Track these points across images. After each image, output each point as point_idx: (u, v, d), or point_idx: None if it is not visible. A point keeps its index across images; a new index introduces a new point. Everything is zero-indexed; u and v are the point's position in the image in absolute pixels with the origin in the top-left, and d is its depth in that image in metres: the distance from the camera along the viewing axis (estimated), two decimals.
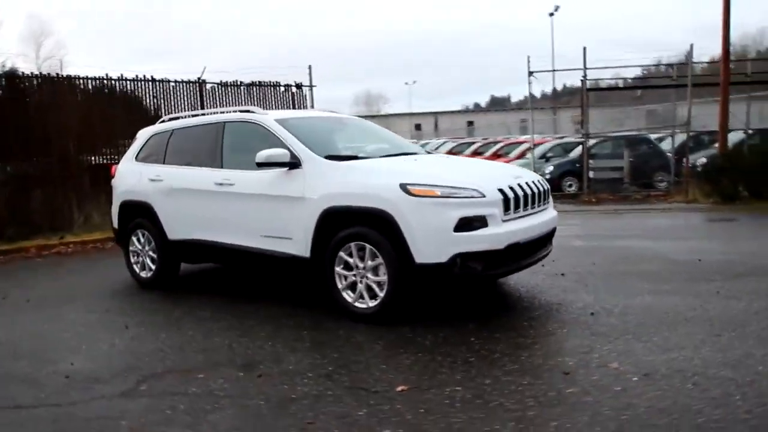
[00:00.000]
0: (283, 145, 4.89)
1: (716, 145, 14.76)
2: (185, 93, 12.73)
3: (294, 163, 4.77)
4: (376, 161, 4.88)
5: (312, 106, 14.43)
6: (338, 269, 4.54)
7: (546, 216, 4.77)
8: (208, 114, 6.11)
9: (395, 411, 2.96)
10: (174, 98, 12.57)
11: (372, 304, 4.40)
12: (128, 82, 12.01)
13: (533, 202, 4.62)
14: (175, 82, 12.65)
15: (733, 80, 14.26)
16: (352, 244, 4.44)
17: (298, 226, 4.72)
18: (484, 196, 4.20)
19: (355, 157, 4.96)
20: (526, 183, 4.59)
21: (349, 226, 4.47)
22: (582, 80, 14.39)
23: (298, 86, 14.46)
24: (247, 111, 5.51)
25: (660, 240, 7.60)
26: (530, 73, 14.56)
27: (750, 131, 15.34)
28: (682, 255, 6.37)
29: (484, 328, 4.19)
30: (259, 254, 5.05)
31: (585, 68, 14.12)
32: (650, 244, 7.20)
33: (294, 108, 14.14)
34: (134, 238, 6.17)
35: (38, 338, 4.57)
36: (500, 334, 4.05)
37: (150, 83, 12.26)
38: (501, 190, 4.31)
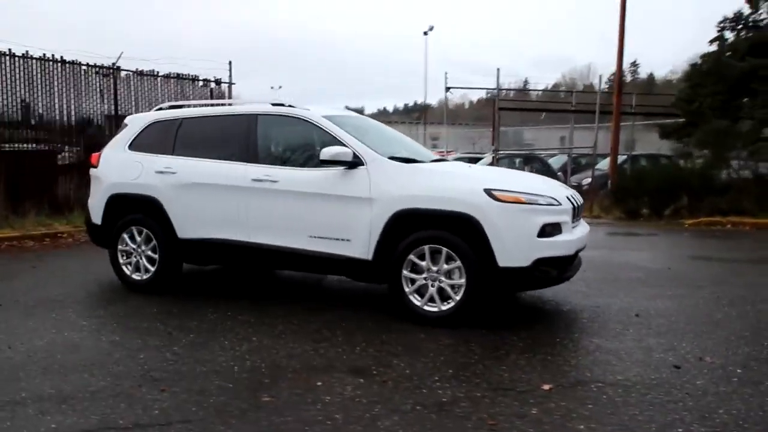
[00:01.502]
0: (340, 143, 4.74)
1: (597, 166, 16.70)
2: (97, 79, 11.58)
3: (355, 163, 4.65)
4: (445, 165, 4.91)
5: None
6: (405, 272, 4.51)
7: (586, 227, 5.12)
8: (223, 105, 5.69)
9: (564, 407, 3.06)
10: (85, 84, 11.37)
11: (444, 307, 4.42)
12: (34, 61, 10.63)
13: (579, 214, 4.95)
14: (87, 66, 11.45)
15: (603, 110, 16.22)
16: (426, 247, 4.43)
17: (360, 227, 4.60)
18: (560, 204, 4.45)
19: (414, 160, 4.95)
20: (572, 195, 4.91)
21: (422, 228, 4.46)
22: (494, 99, 15.37)
23: (218, 82, 13.79)
24: (281, 104, 5.24)
25: (605, 250, 8.38)
26: (447, 89, 15.26)
27: (625, 155, 17.46)
28: (647, 263, 7.13)
29: (552, 330, 4.42)
30: (306, 256, 4.82)
31: (498, 88, 15.12)
32: (604, 254, 7.93)
33: None
34: (126, 236, 5.54)
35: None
36: (580, 335, 4.30)
37: (59, 64, 10.96)
38: (569, 199, 4.59)
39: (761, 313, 4.86)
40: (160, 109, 5.88)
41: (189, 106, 5.84)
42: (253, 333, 4.29)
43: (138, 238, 5.49)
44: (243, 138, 5.16)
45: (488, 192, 4.32)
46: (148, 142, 5.60)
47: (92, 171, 5.89)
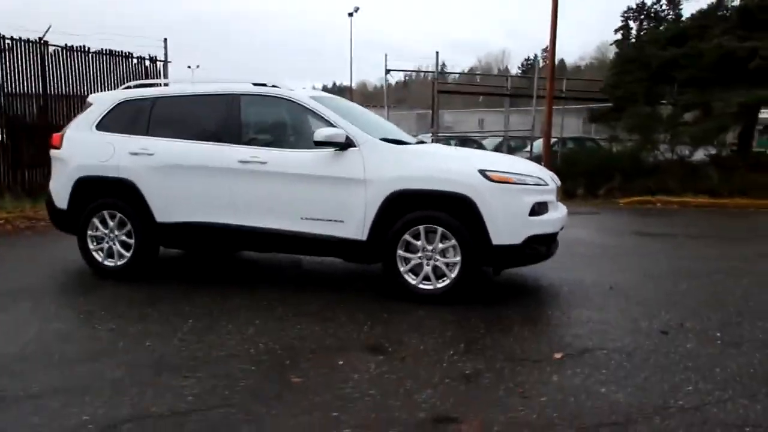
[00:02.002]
0: (330, 125, 4.73)
1: (526, 149, 17.41)
2: (23, 54, 10.72)
3: (347, 144, 4.66)
4: (434, 146, 5.00)
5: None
6: (400, 252, 4.59)
7: (564, 207, 5.38)
8: (199, 83, 5.47)
9: (581, 373, 3.28)
10: (10, 60, 10.51)
11: (440, 285, 4.55)
12: None
13: (558, 194, 5.21)
14: (12, 39, 10.58)
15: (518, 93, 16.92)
16: (421, 227, 4.53)
17: (354, 208, 4.63)
18: (547, 185, 4.67)
19: (402, 142, 5.01)
20: (552, 176, 5.16)
21: (416, 208, 4.55)
22: (433, 82, 15.61)
23: (152, 60, 13.14)
24: (263, 84, 5.13)
25: None
26: (387, 71, 15.33)
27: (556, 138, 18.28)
28: (598, 239, 7.59)
29: (542, 304, 4.68)
30: (298, 238, 4.80)
31: (437, 72, 15.35)
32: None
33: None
34: (96, 221, 5.27)
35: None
36: (568, 307, 4.56)
37: None
38: (552, 179, 4.82)
39: (717, 283, 5.34)
40: (128, 87, 5.60)
41: (159, 84, 5.59)
42: (254, 316, 4.24)
43: (110, 223, 5.24)
44: (225, 118, 5.03)
45: (482, 173, 4.47)
46: (118, 122, 5.33)
47: (54, 152, 5.53)
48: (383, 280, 5.00)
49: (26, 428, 2.65)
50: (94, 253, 5.32)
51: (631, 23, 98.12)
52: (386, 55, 15.36)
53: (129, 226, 5.19)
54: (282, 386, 3.13)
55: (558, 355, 3.55)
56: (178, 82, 5.48)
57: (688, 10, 55.86)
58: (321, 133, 4.58)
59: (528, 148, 17.30)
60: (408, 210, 4.56)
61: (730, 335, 3.91)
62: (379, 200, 4.57)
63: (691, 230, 8.51)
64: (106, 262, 5.30)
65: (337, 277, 5.53)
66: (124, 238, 5.22)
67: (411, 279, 4.61)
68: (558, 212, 4.77)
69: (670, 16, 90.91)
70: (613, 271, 5.72)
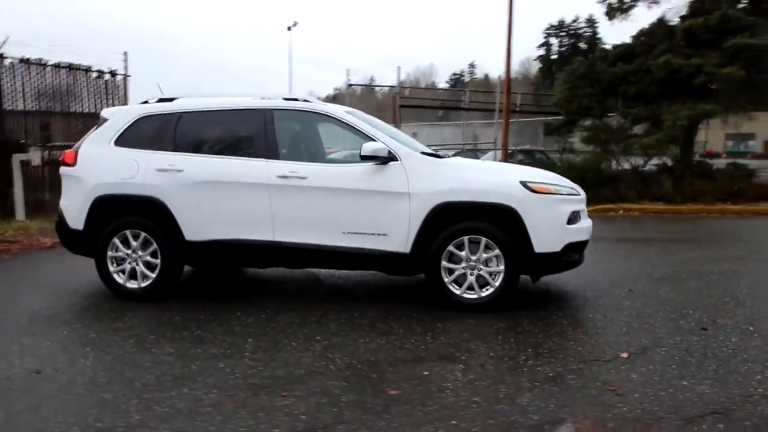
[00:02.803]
0: (370, 139, 4.79)
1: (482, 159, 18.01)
2: None
3: (389, 158, 4.72)
4: (467, 160, 5.12)
5: (126, 97, 12.82)
6: (444, 263, 4.69)
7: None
8: (223, 98, 5.36)
9: (655, 370, 3.48)
10: None
11: (484, 294, 4.68)
12: None
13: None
14: None
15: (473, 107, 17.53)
16: (465, 238, 4.65)
17: (398, 221, 4.69)
18: (579, 194, 4.91)
19: (432, 155, 5.11)
20: (577, 186, 5.39)
21: (460, 220, 4.67)
22: (394, 96, 15.85)
23: (113, 73, 12.66)
24: (294, 99, 5.13)
25: None
26: (349, 86, 15.42)
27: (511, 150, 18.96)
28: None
29: (579, 308, 4.89)
30: (339, 253, 4.80)
31: (399, 86, 15.61)
32: None
33: (107, 97, 12.41)
34: (117, 241, 5.06)
35: None
36: (605, 310, 4.79)
37: None
38: (581, 190, 5.07)
39: (722, 281, 5.75)
40: (146, 102, 5.43)
41: (181, 98, 5.42)
42: (312, 332, 4.21)
43: (133, 243, 5.04)
44: (259, 133, 4.97)
45: (524, 184, 4.65)
46: (139, 137, 5.15)
47: (66, 170, 5.27)
48: (422, 291, 5.09)
49: None
50: (115, 275, 5.10)
51: (552, 39, 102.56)
52: (348, 71, 15.36)
53: (154, 246, 5.01)
54: (384, 399, 3.15)
55: (624, 355, 3.75)
56: (198, 97, 5.36)
57: (603, 30, 59.55)
58: (368, 147, 4.63)
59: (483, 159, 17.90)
60: (451, 222, 4.67)
61: (762, 329, 4.24)
62: (423, 213, 4.65)
63: (664, 235, 9.07)
64: (128, 284, 5.09)
65: (370, 289, 5.54)
66: (148, 258, 5.04)
67: (455, 289, 4.71)
68: (587, 221, 5.01)
69: (587, 34, 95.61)
70: (621, 276, 6.03)
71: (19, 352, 3.84)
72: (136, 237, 5.05)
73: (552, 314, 4.64)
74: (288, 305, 4.90)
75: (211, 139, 5.10)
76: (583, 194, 5.00)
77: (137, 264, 5.06)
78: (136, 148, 5.12)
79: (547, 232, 4.63)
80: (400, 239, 4.71)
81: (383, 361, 3.69)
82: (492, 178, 4.79)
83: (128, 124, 5.20)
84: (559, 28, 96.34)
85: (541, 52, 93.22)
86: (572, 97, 15.27)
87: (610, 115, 15.13)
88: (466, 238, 4.66)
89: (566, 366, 3.59)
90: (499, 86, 17.00)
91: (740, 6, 12.84)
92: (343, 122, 4.96)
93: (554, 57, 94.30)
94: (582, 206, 4.94)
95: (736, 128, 14.02)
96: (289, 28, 39.76)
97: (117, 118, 5.28)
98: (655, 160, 14.29)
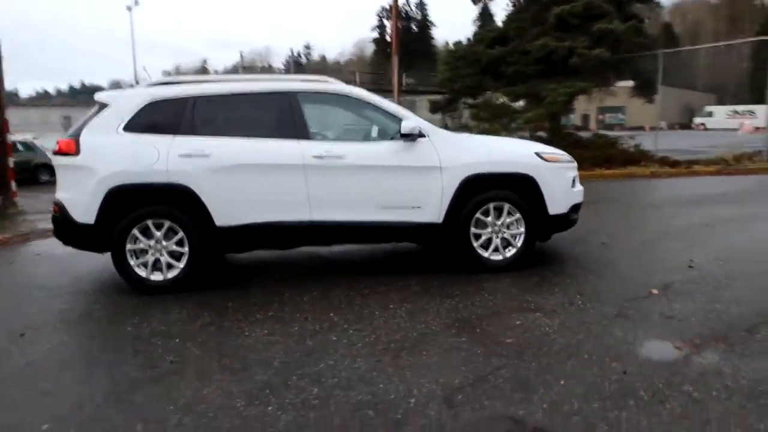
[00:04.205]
0: (397, 118, 5.05)
1: None
2: None
3: (419, 135, 5.02)
4: (482, 136, 5.55)
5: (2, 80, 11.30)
6: (473, 229, 5.14)
7: None
8: (234, 80, 5.20)
9: (684, 296, 4.27)
10: None
11: (508, 255, 5.22)
12: None
13: None
14: None
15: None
16: (491, 205, 5.14)
17: (432, 194, 5.03)
18: (574, 162, 5.61)
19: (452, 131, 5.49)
20: None
21: (485, 190, 5.13)
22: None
23: None
24: (316, 80, 5.18)
25: None
26: (243, 67, 14.98)
27: None
28: None
29: (582, 260, 5.61)
30: (377, 227, 5.02)
31: (291, 70, 15.43)
32: None
33: None
34: (137, 233, 4.79)
35: None
36: (604, 260, 5.56)
37: None
38: None
39: (698, 235, 6.83)
40: (152, 85, 5.09)
41: (185, 82, 5.17)
42: (380, 302, 4.41)
43: (156, 233, 4.80)
44: (286, 115, 4.97)
45: (538, 155, 5.24)
46: (152, 123, 4.86)
47: (65, 160, 4.81)
48: (445, 257, 5.49)
49: None
50: (136, 269, 4.82)
51: (386, 21, 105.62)
52: (241, 52, 14.81)
53: (180, 235, 4.82)
54: (509, 347, 3.53)
55: (655, 291, 4.52)
56: (209, 81, 5.16)
57: (432, 14, 62.88)
58: (407, 125, 4.88)
59: None
60: (478, 191, 5.11)
61: (730, 268, 5.27)
62: (455, 184, 5.04)
63: (599, 198, 10.14)
64: (152, 277, 4.84)
65: (389, 261, 5.79)
66: (174, 247, 4.84)
67: (483, 252, 5.19)
68: (580, 185, 5.74)
69: (418, 17, 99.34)
70: (586, 232, 6.91)
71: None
72: (158, 227, 4.81)
73: (570, 268, 5.29)
74: (319, 283, 5.00)
75: (235, 123, 4.98)
76: (574, 162, 5.72)
77: (162, 255, 4.83)
78: (150, 133, 4.84)
79: (558, 196, 5.27)
80: (433, 210, 5.06)
81: (470, 318, 4.06)
82: (511, 150, 5.32)
83: (137, 109, 4.88)
84: (391, 10, 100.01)
85: (376, 34, 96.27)
86: (455, 77, 16.34)
87: (491, 93, 16.47)
88: (491, 205, 5.14)
89: (618, 304, 4.25)
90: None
91: None
92: (367, 101, 5.14)
93: (388, 39, 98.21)
94: (576, 172, 5.65)
95: (601, 102, 15.94)
96: (129, 8, 36.49)
97: (121, 103, 4.91)
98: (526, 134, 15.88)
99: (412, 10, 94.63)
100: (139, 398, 2.97)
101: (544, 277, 5.01)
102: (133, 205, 4.78)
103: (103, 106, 4.94)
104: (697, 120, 51.24)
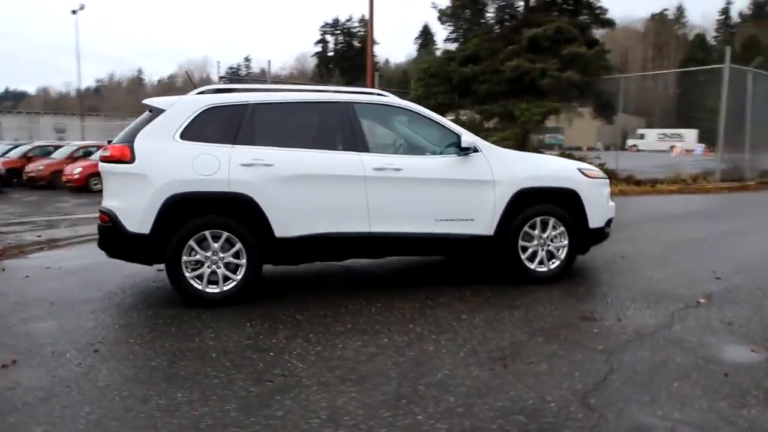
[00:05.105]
0: (450, 131, 5.17)
1: None
2: None
3: (472, 149, 5.15)
4: (525, 153, 5.72)
5: None
6: (521, 242, 5.30)
7: None
8: (288, 90, 5.16)
9: (729, 305, 4.57)
10: None
11: (552, 266, 5.40)
12: None
13: None
14: None
15: None
16: (538, 219, 5.31)
17: (485, 207, 5.15)
18: (608, 179, 5.88)
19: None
20: None
21: (531, 204, 5.30)
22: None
23: None
24: (371, 93, 5.24)
25: None
26: (220, 78, 14.76)
27: None
28: None
29: (611, 272, 5.87)
30: (431, 239, 5.09)
31: (269, 80, 15.33)
32: None
33: None
34: (193, 244, 4.66)
35: None
36: (633, 271, 5.83)
37: None
38: None
39: (716, 248, 7.25)
40: (203, 92, 4.98)
41: (238, 90, 5.09)
42: (443, 314, 4.47)
43: (214, 245, 4.68)
44: (344, 127, 4.98)
45: (581, 171, 5.47)
46: (210, 130, 4.76)
47: (117, 168, 4.63)
48: (472, 269, 5.60)
49: None
50: (192, 281, 4.68)
51: (328, 37, 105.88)
52: (218, 62, 14.65)
53: (238, 246, 4.72)
54: (606, 354, 3.69)
55: (702, 300, 4.80)
56: (262, 89, 5.10)
57: (378, 32, 64.15)
58: (466, 140, 5.01)
59: None
60: (526, 205, 5.28)
61: (752, 280, 5.66)
62: (506, 198, 5.19)
63: None
64: (208, 290, 4.71)
65: (420, 273, 5.86)
66: (232, 259, 4.73)
67: (529, 264, 5.35)
68: (612, 201, 6.02)
69: (360, 33, 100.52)
70: (604, 244, 7.19)
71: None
72: (215, 238, 4.70)
73: (606, 280, 5.54)
74: (372, 295, 5.03)
75: (293, 132, 4.96)
76: (608, 179, 6.00)
77: (219, 266, 4.71)
78: (207, 142, 4.73)
79: (597, 210, 5.52)
80: (485, 223, 5.18)
81: (547, 327, 4.17)
82: (557, 166, 5.54)
83: (193, 116, 4.77)
84: (334, 26, 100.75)
85: (318, 48, 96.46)
86: (428, 94, 16.68)
87: (463, 111, 16.89)
88: (538, 219, 5.32)
89: (674, 311, 4.50)
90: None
91: (566, 20, 15.35)
92: (421, 115, 5.24)
93: (331, 54, 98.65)
94: (609, 188, 5.92)
95: (568, 122, 16.64)
96: (74, 12, 34.99)
97: (177, 109, 4.79)
98: None
99: (354, 26, 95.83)
100: (278, 412, 2.90)
101: (587, 289, 5.22)
102: (190, 215, 4.65)
103: (157, 111, 4.80)
104: (630, 142, 54.16)
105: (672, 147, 46.23)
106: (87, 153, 20.05)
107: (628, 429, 2.75)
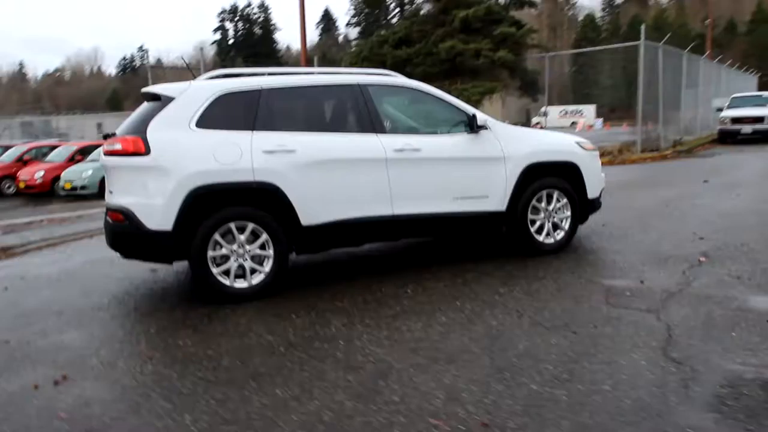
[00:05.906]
0: (460, 110, 5.23)
1: None
2: None
3: (482, 127, 5.23)
4: (532, 129, 5.87)
5: None
6: (530, 215, 5.48)
7: None
8: (308, 73, 4.98)
9: (726, 260, 4.98)
10: None
11: (558, 237, 5.63)
12: None
13: None
14: None
15: None
16: (544, 192, 5.51)
17: (497, 183, 5.27)
18: (598, 151, 6.17)
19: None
20: None
21: (540, 177, 5.48)
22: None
23: None
24: (381, 74, 5.18)
25: None
26: (150, 66, 13.87)
27: None
28: None
29: (605, 240, 6.19)
30: (450, 218, 5.14)
31: (203, 69, 14.64)
32: None
33: None
34: (218, 238, 4.44)
35: None
36: (626, 238, 6.18)
37: None
38: None
39: (657, 213, 7.73)
40: (213, 77, 4.69)
41: (244, 74, 4.83)
42: (508, 302, 4.42)
43: (239, 237, 4.48)
44: (360, 109, 4.90)
45: (578, 144, 5.71)
46: (226, 117, 4.52)
47: (131, 161, 4.30)
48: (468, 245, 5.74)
49: None
50: (219, 278, 4.46)
51: (228, 24, 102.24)
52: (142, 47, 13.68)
53: (264, 237, 4.55)
54: (659, 324, 3.92)
55: (703, 258, 5.19)
56: (273, 73, 4.88)
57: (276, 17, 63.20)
58: (482, 118, 5.07)
59: None
60: (534, 179, 5.45)
61: (755, 231, 6.17)
62: (516, 173, 5.33)
63: None
64: (236, 284, 4.51)
65: (424, 253, 5.90)
66: (257, 251, 4.55)
67: (537, 236, 5.54)
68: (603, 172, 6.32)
69: (261, 19, 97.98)
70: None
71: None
72: (241, 229, 4.50)
73: (607, 248, 5.83)
74: (395, 277, 5.04)
75: (310, 116, 4.82)
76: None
77: (246, 259, 4.52)
78: (225, 129, 4.50)
79: (594, 181, 5.80)
80: (498, 199, 5.30)
81: (587, 295, 4.37)
82: (559, 140, 5.74)
83: (208, 103, 4.51)
84: (233, 13, 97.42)
85: (218, 36, 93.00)
86: None
87: None
88: (544, 192, 5.51)
89: (683, 269, 4.84)
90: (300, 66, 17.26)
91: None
92: (431, 95, 5.25)
93: (231, 41, 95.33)
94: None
95: (502, 99, 17.18)
96: None
97: (189, 96, 4.50)
98: None
99: (255, 12, 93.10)
100: (394, 397, 2.87)
101: (596, 256, 5.49)
102: (214, 207, 4.42)
103: (168, 99, 4.49)
104: (535, 119, 56.66)
105: (573, 123, 48.90)
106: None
107: (724, 376, 2.96)
